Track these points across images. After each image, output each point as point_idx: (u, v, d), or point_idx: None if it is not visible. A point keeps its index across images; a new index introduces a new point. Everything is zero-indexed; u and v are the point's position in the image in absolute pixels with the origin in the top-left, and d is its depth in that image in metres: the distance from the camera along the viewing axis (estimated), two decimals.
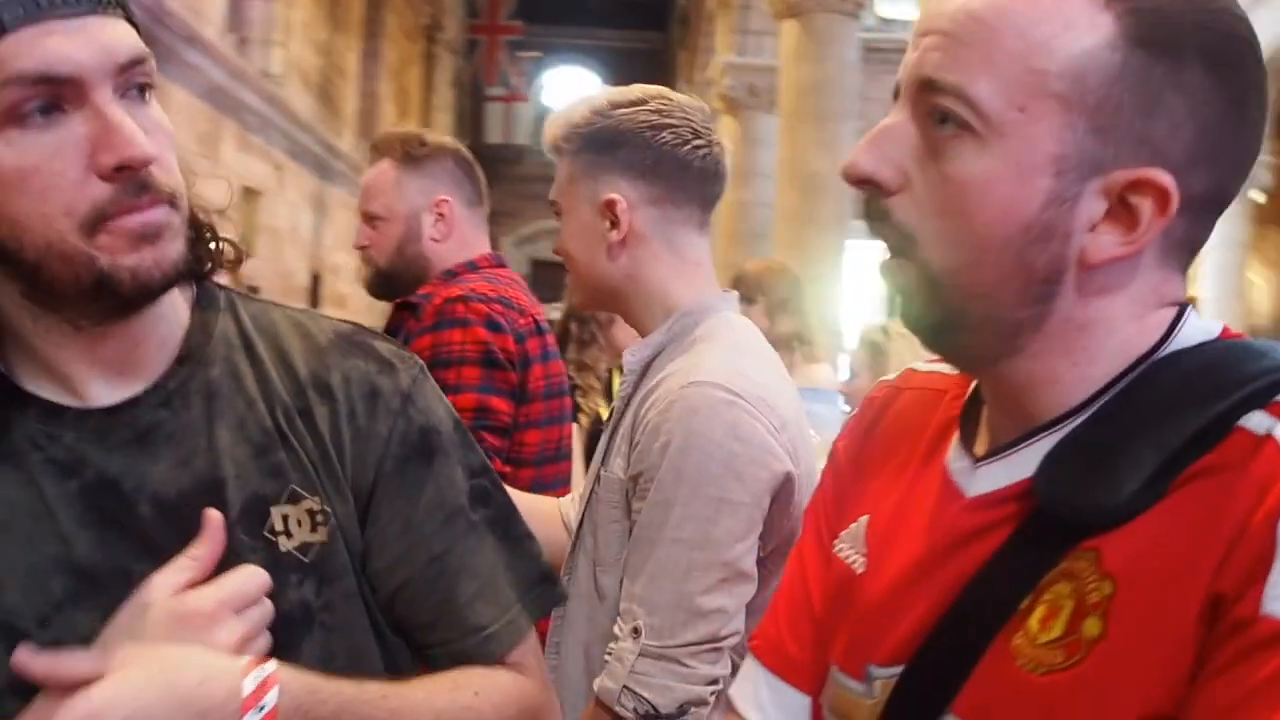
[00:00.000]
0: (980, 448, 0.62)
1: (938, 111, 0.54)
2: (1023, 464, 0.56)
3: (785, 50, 10.97)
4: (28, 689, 0.58)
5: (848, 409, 2.68)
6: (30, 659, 0.57)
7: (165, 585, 0.62)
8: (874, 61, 11.87)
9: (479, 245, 1.65)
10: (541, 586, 0.76)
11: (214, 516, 0.64)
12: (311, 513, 0.68)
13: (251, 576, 0.64)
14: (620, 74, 22.53)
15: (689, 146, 1.08)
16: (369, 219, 1.66)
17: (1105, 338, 0.55)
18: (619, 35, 22.03)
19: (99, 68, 0.59)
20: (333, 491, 0.69)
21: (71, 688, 0.56)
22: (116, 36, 0.60)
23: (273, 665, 0.61)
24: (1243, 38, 0.53)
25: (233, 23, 7.37)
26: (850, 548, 0.67)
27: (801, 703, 0.69)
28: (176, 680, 0.57)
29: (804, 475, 1.02)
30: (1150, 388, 0.54)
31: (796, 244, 10.62)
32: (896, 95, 0.58)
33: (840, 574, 0.67)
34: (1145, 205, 0.52)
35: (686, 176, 1.09)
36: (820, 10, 10.41)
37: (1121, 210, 0.53)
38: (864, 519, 0.67)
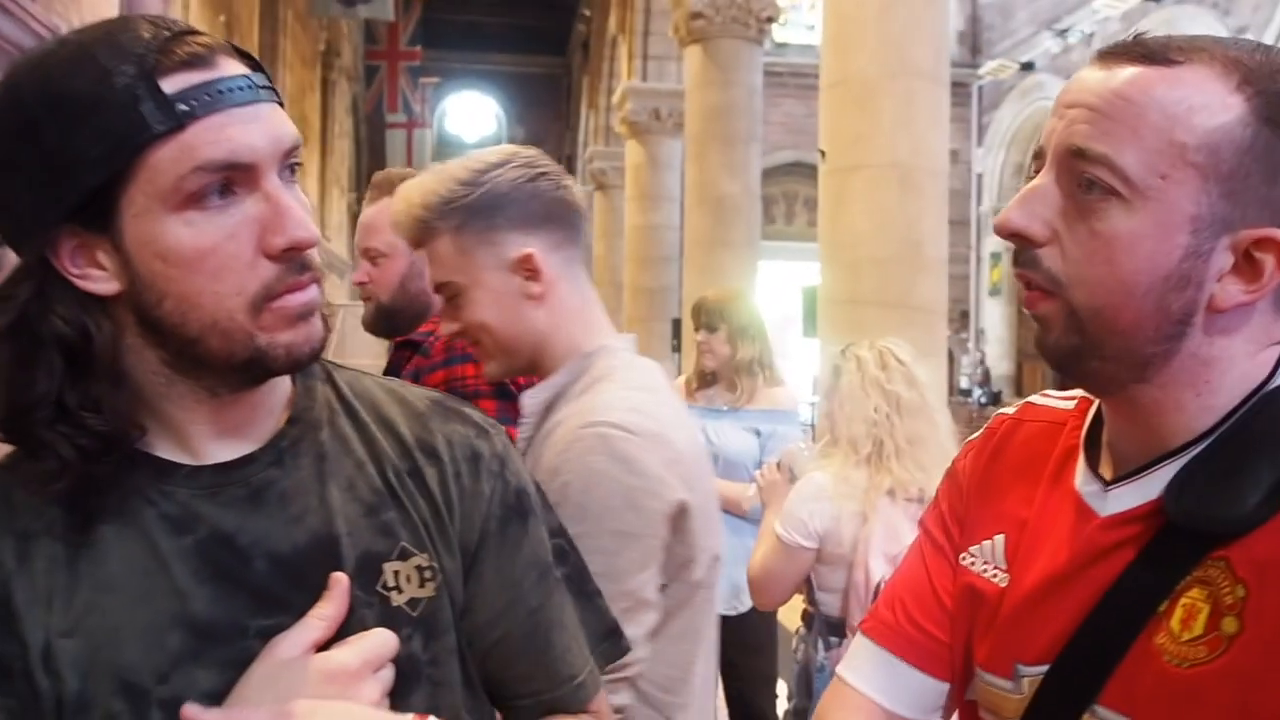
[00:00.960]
0: (1105, 471, 0.70)
1: (1086, 177, 0.62)
2: (1151, 486, 0.65)
3: (690, 75, 11.19)
4: None
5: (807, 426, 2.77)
6: (205, 714, 0.59)
7: (296, 643, 0.63)
8: (770, 85, 12.25)
9: None
10: (610, 639, 0.81)
11: (340, 579, 0.66)
12: (420, 569, 0.70)
13: (386, 638, 0.66)
14: (521, 99, 22.52)
15: (564, 189, 1.13)
16: (370, 255, 1.65)
17: (1226, 372, 0.64)
18: (519, 60, 22.03)
19: (271, 154, 0.62)
20: (442, 548, 0.72)
21: None
22: (283, 124, 0.64)
23: (433, 719, 0.65)
24: None
25: None
26: (985, 563, 0.75)
27: (923, 683, 0.78)
28: None
29: (699, 504, 1.07)
30: (1266, 416, 0.62)
31: (708, 267, 10.80)
32: (1038, 158, 0.66)
33: (974, 585, 0.75)
34: (1268, 260, 0.61)
35: (573, 214, 1.14)
36: (724, 36, 10.69)
37: (1246, 264, 0.61)
38: (999, 537, 0.75)
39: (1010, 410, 0.83)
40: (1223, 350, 0.63)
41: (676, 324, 12.50)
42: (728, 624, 2.68)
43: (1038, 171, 0.67)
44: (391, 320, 1.62)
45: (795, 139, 17.63)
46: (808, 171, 17.99)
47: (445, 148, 22.14)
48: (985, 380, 16.39)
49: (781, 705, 2.70)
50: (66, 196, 0.59)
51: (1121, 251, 0.61)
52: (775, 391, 2.73)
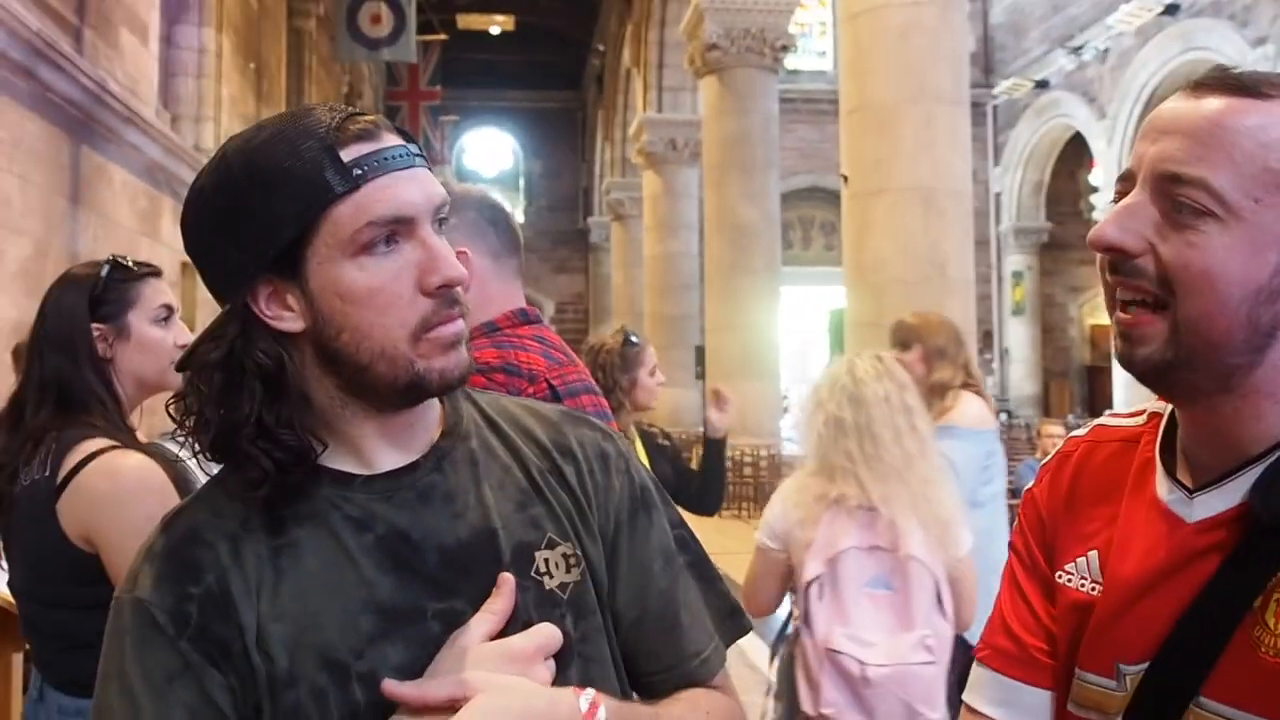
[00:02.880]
0: (1183, 479, 0.74)
1: (1181, 198, 0.67)
2: (1236, 492, 0.69)
3: (707, 105, 11.30)
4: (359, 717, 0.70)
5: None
6: (400, 686, 0.68)
7: (475, 634, 0.72)
8: (783, 111, 12.32)
9: (505, 300, 1.49)
10: (733, 618, 0.87)
11: (508, 579, 0.75)
12: (566, 556, 0.79)
13: (553, 630, 0.74)
14: (537, 133, 22.78)
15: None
16: None
17: None
18: (534, 96, 22.31)
19: (426, 209, 0.73)
20: (586, 536, 0.80)
21: (442, 709, 0.67)
22: (434, 184, 0.75)
23: (593, 691, 0.73)
24: None
25: (166, 100, 7.28)
26: (1082, 578, 0.79)
27: (1037, 696, 0.82)
28: (530, 702, 0.69)
29: None
30: None
31: (729, 293, 10.86)
32: (1125, 180, 0.71)
33: (1073, 599, 0.79)
34: None
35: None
36: (740, 66, 10.81)
37: None
38: (1093, 554, 0.79)
39: (1082, 433, 0.87)
40: None
41: (699, 351, 12.49)
42: None
43: (1122, 194, 0.71)
44: None
45: (810, 164, 17.71)
46: (824, 196, 18.02)
47: (463, 183, 22.34)
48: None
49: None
50: (266, 251, 0.71)
51: (1216, 267, 0.66)
52: (956, 409, 2.62)
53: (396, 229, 0.72)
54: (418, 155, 0.75)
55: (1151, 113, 0.71)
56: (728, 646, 0.86)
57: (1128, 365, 0.71)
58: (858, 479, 1.91)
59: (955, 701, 2.09)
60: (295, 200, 0.70)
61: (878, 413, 1.95)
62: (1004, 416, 16.30)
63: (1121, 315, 0.71)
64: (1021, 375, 17.44)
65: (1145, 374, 0.71)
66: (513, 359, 1.39)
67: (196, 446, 0.74)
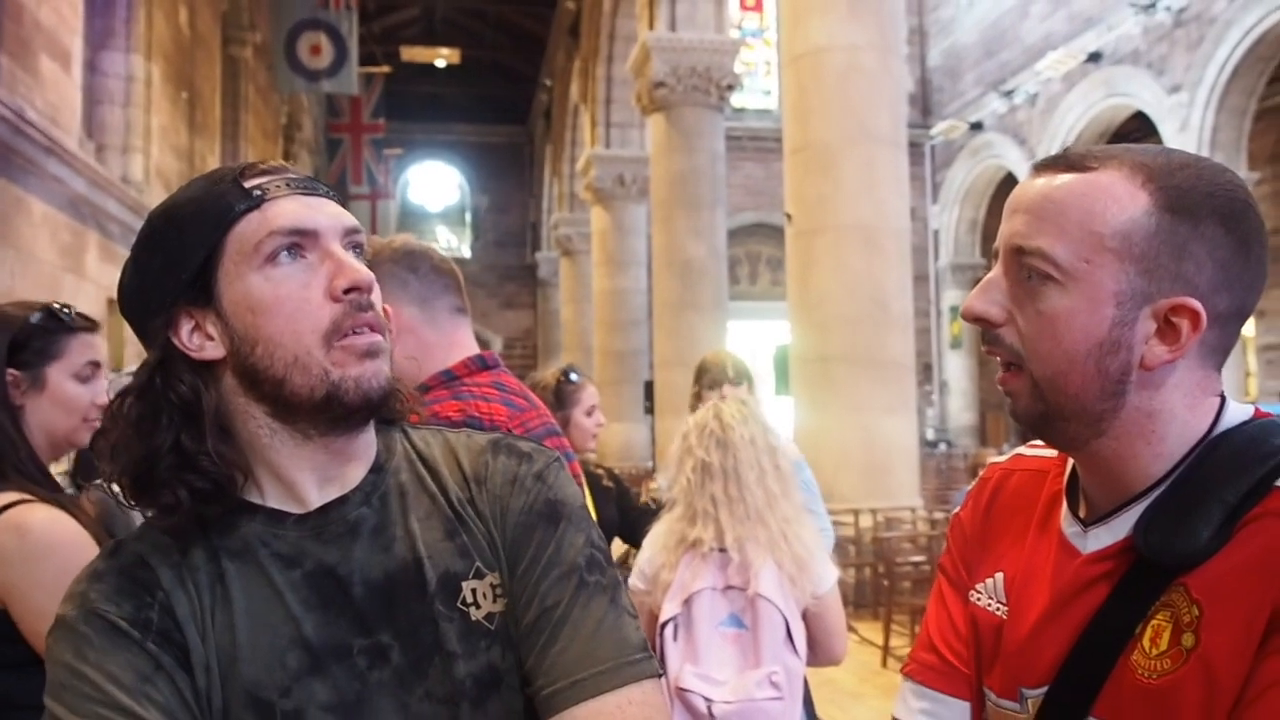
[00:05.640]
0: (1084, 513, 0.80)
1: (1027, 267, 0.74)
2: (1121, 526, 0.75)
3: (654, 142, 11.35)
4: None
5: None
6: None
7: None
8: (729, 149, 12.45)
9: (450, 345, 1.41)
10: (641, 653, 0.77)
11: None
12: (493, 586, 0.78)
13: None
14: (484, 168, 22.73)
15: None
16: None
17: (1169, 423, 0.74)
18: (481, 130, 22.28)
19: (332, 228, 0.77)
20: (499, 564, 0.79)
21: None
22: (342, 211, 0.80)
23: None
24: (1242, 199, 0.72)
25: (91, 130, 7.04)
26: (989, 598, 0.85)
27: (962, 708, 0.87)
28: None
29: None
30: (1210, 461, 0.73)
31: (677, 329, 10.86)
32: (996, 255, 0.78)
33: (981, 618, 0.85)
34: (1184, 323, 0.71)
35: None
36: (686, 104, 10.89)
37: (1166, 328, 0.72)
38: (999, 575, 0.85)
39: (1001, 460, 0.93)
40: (1162, 403, 0.74)
41: (648, 386, 12.43)
42: None
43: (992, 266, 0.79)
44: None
45: (756, 200, 17.93)
46: (770, 232, 18.25)
47: (409, 218, 22.17)
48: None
49: None
50: (179, 277, 0.75)
51: (1062, 326, 0.73)
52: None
53: (300, 241, 0.75)
54: (327, 189, 0.80)
55: (1010, 195, 0.78)
56: (628, 682, 0.74)
57: (1014, 417, 0.78)
58: (717, 522, 1.94)
59: None
60: (202, 225, 0.75)
61: (744, 455, 1.99)
62: (943, 446, 16.59)
63: (999, 375, 0.79)
64: (960, 407, 17.76)
65: (1028, 425, 0.77)
66: (474, 411, 1.35)
67: (114, 485, 0.75)
